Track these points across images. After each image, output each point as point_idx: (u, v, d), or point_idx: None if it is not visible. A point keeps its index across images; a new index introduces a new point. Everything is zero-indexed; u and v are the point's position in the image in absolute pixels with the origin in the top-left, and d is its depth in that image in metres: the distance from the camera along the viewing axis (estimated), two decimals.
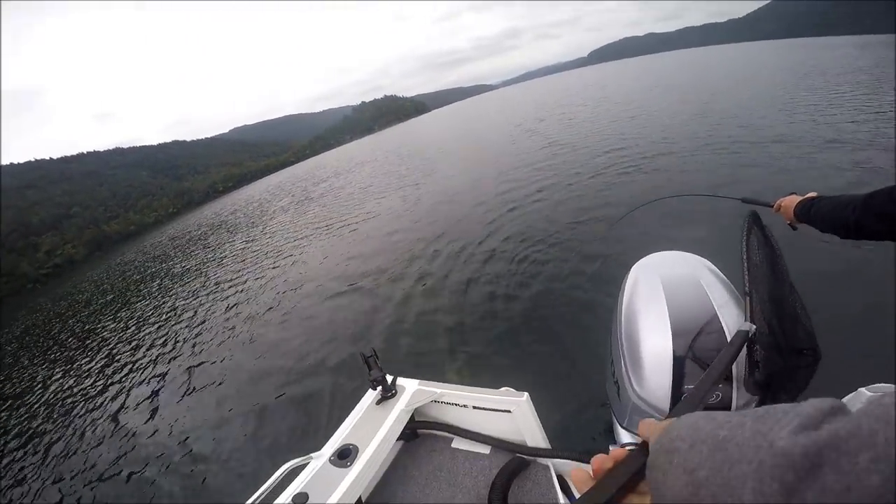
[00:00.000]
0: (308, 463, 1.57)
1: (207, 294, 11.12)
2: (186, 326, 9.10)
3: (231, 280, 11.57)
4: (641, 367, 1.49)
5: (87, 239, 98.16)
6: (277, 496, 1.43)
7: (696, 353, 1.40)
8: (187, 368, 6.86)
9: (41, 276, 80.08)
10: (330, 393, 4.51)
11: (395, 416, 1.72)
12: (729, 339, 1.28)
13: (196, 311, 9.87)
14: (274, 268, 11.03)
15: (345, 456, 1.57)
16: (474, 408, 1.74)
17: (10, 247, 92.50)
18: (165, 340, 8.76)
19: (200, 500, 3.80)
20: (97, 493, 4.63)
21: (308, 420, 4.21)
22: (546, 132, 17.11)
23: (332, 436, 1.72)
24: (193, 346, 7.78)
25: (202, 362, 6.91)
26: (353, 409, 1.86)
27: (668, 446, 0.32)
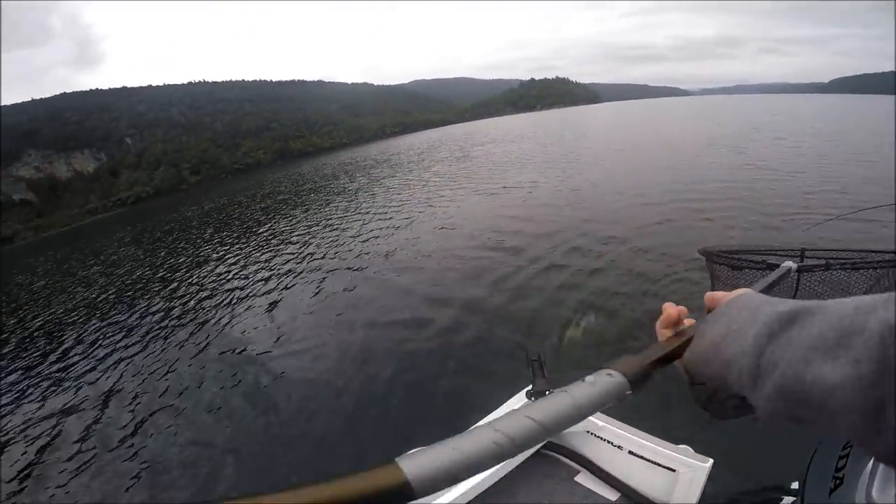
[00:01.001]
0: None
1: (366, 214, 12.13)
2: (343, 238, 10.07)
3: (387, 208, 12.44)
4: None
5: (275, 149, 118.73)
6: None
7: None
8: (339, 277, 7.47)
9: (233, 170, 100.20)
10: (467, 363, 4.08)
11: None
12: None
13: (352, 228, 10.85)
14: (429, 207, 11.53)
15: None
16: (630, 453, 1.51)
17: (220, 143, 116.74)
18: (320, 246, 9.82)
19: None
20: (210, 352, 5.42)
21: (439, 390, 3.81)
22: (752, 152, 14.36)
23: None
24: (344, 258, 8.49)
25: (352, 272, 7.53)
26: (493, 408, 1.71)
27: (727, 307, 0.44)
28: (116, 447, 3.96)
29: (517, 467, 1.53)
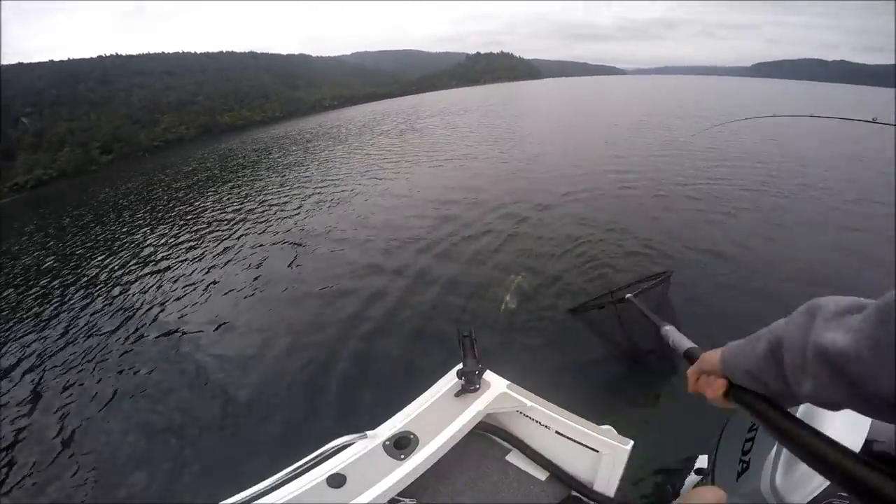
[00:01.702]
0: (357, 442, 1.40)
1: (304, 189, 11.48)
2: (280, 213, 9.44)
3: (326, 181, 11.83)
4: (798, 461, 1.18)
5: (199, 123, 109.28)
6: (314, 469, 1.28)
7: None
8: (279, 253, 7.02)
9: (152, 147, 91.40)
10: (402, 343, 3.96)
11: (471, 415, 1.49)
12: None
13: (290, 203, 10.21)
14: (371, 179, 11.13)
15: (402, 446, 1.38)
16: (557, 433, 1.52)
17: (136, 118, 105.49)
18: (256, 222, 9.16)
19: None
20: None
21: (367, 374, 3.68)
22: (677, 130, 15.26)
23: (392, 416, 1.53)
24: (283, 233, 7.96)
25: (292, 247, 7.12)
26: (424, 389, 1.64)
27: (748, 345, 0.55)
28: (57, 452, 3.51)
29: (453, 448, 1.47)
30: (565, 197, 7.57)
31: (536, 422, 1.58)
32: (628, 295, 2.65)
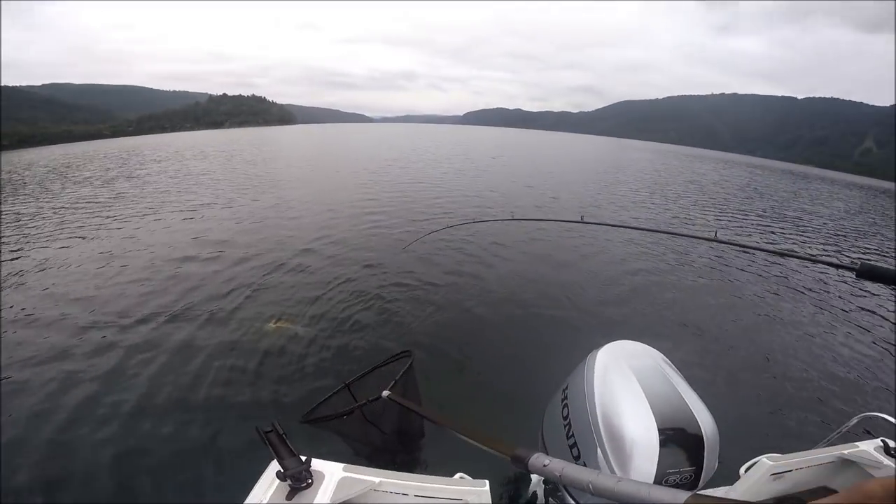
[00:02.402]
0: None
1: None
2: None
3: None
4: (626, 453, 1.52)
5: None
6: None
7: (675, 440, 1.52)
8: None
9: None
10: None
11: None
12: (703, 429, 1.46)
13: None
14: (66, 243, 8.88)
15: None
16: (416, 496, 1.47)
17: None
18: None
19: None
20: None
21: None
22: (412, 171, 18.05)
23: None
24: None
25: None
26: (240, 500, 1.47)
27: None
28: None
29: None
30: (321, 240, 7.84)
31: (393, 493, 1.48)
32: (385, 393, 2.42)
